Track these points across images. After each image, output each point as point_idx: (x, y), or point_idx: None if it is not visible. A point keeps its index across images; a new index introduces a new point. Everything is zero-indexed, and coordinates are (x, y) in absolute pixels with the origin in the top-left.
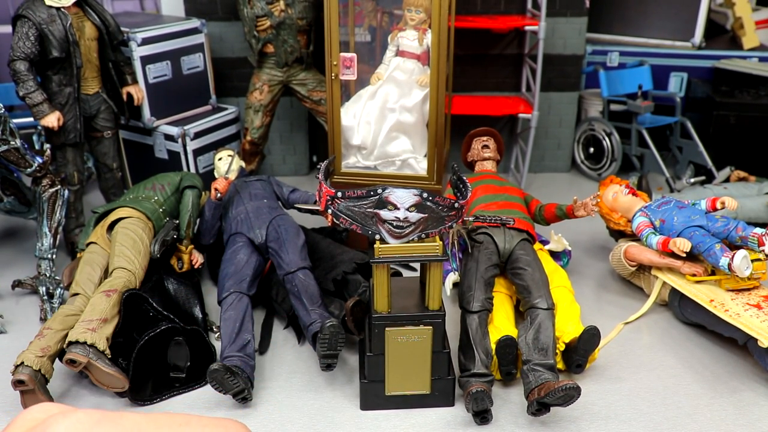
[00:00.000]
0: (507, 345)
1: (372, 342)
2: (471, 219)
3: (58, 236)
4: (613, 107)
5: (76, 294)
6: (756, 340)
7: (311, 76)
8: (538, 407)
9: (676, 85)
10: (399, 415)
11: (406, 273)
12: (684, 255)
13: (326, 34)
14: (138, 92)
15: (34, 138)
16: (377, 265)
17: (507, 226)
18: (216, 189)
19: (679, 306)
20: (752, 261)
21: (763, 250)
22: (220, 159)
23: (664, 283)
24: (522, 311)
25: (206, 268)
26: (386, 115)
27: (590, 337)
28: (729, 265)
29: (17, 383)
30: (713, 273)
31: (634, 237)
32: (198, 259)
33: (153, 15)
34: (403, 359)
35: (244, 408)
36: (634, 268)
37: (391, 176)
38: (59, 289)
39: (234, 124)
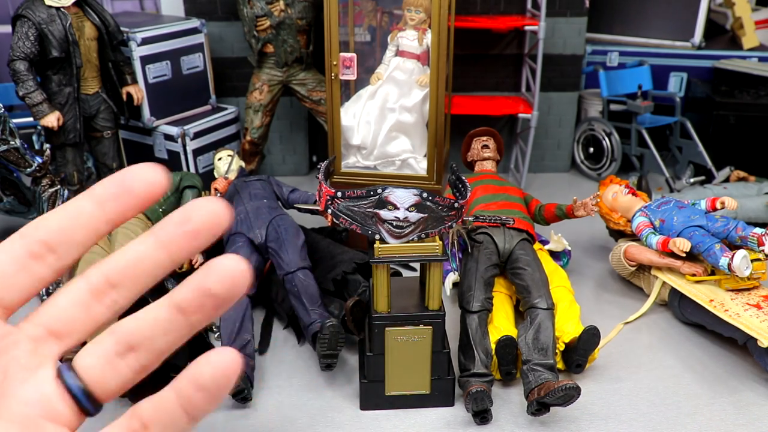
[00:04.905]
0: (507, 345)
1: (372, 342)
2: (471, 219)
3: None
4: (613, 107)
5: None
6: (756, 340)
7: (311, 76)
8: (538, 407)
9: (675, 85)
10: (399, 415)
11: (406, 273)
12: (684, 255)
13: (326, 34)
14: (138, 92)
15: (34, 138)
16: (377, 265)
17: (507, 226)
18: (216, 189)
19: (679, 306)
20: (752, 261)
21: (763, 250)
22: (219, 159)
23: (664, 283)
24: (522, 311)
25: None
26: (386, 115)
27: (590, 337)
28: (729, 265)
29: None
30: (713, 273)
31: (634, 237)
32: (198, 259)
33: (153, 15)
34: (403, 359)
35: (244, 408)
36: (634, 268)
37: (391, 176)
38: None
39: (234, 124)
